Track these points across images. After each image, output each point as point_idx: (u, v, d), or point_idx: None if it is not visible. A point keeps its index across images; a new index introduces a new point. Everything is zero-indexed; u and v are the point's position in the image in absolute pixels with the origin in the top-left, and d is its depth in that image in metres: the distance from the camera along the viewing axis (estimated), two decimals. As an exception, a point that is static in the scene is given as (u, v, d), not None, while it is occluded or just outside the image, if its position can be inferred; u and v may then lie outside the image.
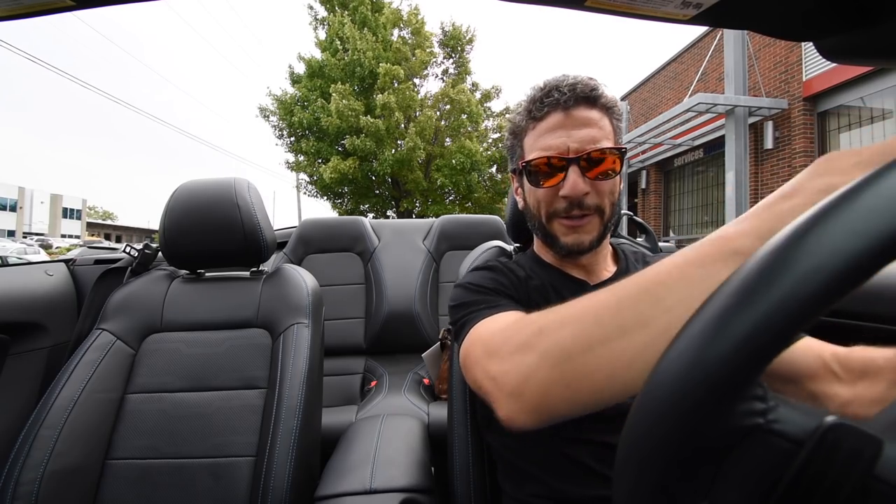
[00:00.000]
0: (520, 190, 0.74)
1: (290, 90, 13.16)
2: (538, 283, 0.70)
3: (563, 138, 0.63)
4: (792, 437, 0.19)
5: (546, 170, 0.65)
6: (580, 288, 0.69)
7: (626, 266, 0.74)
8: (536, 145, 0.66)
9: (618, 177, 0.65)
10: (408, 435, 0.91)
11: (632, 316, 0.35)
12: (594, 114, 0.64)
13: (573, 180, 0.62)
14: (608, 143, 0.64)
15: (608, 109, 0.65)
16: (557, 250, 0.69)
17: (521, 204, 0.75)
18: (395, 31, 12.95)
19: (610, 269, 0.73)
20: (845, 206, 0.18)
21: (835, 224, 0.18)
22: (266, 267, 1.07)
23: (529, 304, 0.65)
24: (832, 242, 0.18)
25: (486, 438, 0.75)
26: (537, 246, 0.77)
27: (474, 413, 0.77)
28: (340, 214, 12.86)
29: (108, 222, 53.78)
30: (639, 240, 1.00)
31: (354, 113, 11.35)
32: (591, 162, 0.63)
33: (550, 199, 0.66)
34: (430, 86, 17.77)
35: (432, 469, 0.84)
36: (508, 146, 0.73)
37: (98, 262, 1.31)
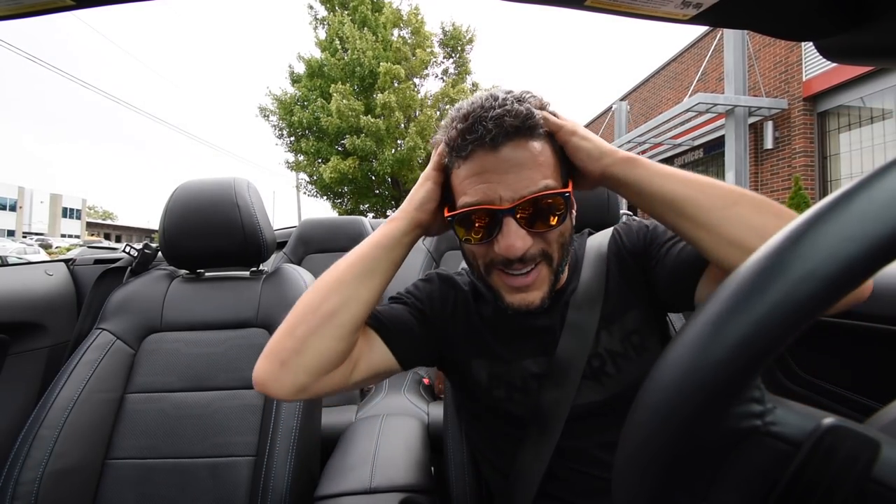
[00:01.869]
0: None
1: (290, 90, 13.16)
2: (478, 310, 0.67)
3: (493, 184, 0.52)
4: (789, 439, 0.19)
5: (476, 223, 0.54)
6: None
7: (576, 261, 0.67)
8: (463, 190, 0.54)
9: (567, 218, 0.56)
10: (407, 435, 0.91)
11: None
12: (531, 147, 0.52)
13: (509, 238, 0.52)
14: (551, 182, 0.52)
15: (550, 135, 0.54)
16: (504, 308, 0.58)
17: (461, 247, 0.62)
18: (395, 31, 12.94)
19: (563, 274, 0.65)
20: (839, 210, 0.18)
21: (828, 229, 0.18)
22: (266, 267, 1.07)
23: (451, 319, 0.67)
24: (826, 247, 0.18)
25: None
26: None
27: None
28: (340, 214, 12.85)
29: (108, 222, 53.73)
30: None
31: (354, 112, 11.35)
32: (530, 210, 0.52)
33: (485, 253, 0.56)
34: (431, 85, 17.77)
35: (432, 469, 0.84)
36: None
37: (98, 261, 1.31)
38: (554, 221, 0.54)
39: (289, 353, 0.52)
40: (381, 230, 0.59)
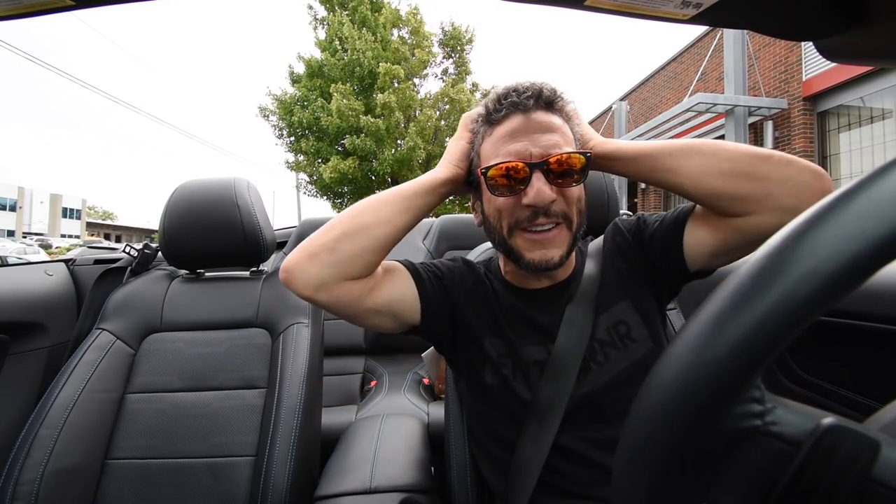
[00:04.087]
0: (477, 204, 0.70)
1: (290, 90, 13.15)
2: (502, 300, 0.70)
3: (525, 143, 0.59)
4: (789, 439, 0.19)
5: (507, 177, 0.60)
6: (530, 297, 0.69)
7: (582, 262, 0.71)
8: (495, 151, 0.61)
9: (583, 185, 0.63)
10: (407, 435, 0.91)
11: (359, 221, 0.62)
12: (556, 119, 0.61)
13: (538, 187, 0.58)
14: (573, 149, 0.61)
15: (569, 119, 0.63)
16: (523, 267, 0.63)
17: (478, 220, 0.70)
18: (395, 31, 12.94)
19: (569, 267, 0.70)
20: (840, 209, 0.18)
21: (829, 228, 0.18)
22: (266, 267, 1.08)
23: (469, 296, 0.71)
24: (827, 246, 0.18)
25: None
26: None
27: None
28: (340, 214, 12.82)
29: (108, 222, 53.71)
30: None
31: (354, 112, 11.35)
32: (556, 167, 0.59)
33: (512, 208, 0.62)
34: (430, 85, 17.78)
35: (432, 468, 0.84)
36: None
37: (98, 262, 1.31)
38: (575, 181, 0.61)
39: (320, 248, 0.60)
40: (423, 177, 0.66)
